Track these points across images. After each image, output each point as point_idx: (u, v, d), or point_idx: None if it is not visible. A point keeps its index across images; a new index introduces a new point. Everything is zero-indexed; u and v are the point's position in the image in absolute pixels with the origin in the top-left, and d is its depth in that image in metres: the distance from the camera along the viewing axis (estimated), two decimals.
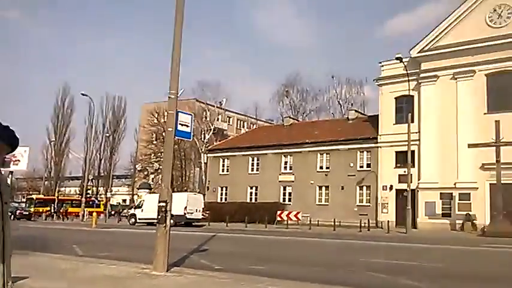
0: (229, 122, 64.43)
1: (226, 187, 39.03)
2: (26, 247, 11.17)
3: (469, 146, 25.74)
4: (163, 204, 8.37)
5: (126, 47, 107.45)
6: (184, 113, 9.35)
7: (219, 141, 49.57)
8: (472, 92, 28.97)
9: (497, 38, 28.23)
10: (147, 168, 56.96)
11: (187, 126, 9.11)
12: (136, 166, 60.48)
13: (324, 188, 34.06)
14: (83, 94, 40.81)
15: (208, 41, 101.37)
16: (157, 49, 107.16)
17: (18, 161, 16.66)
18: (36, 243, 13.95)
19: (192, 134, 9.52)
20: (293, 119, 47.47)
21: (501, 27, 28.65)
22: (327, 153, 34.30)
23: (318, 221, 29.19)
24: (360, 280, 8.31)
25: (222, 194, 39.34)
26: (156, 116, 52.26)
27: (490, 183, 26.04)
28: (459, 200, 27.70)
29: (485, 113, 28.21)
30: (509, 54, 27.88)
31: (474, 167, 27.54)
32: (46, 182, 62.28)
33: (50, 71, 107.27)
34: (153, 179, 56.12)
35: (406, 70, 29.30)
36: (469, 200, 27.33)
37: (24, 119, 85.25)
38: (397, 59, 28.58)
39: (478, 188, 27.37)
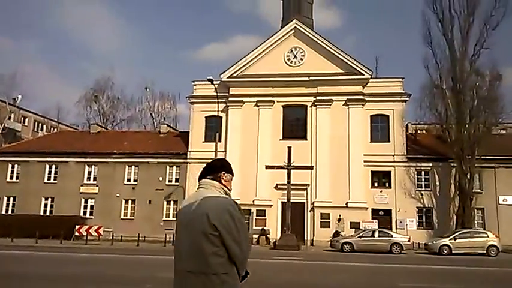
0: (24, 122, 56.12)
1: (14, 197, 34.04)
2: None
3: (266, 167, 28.74)
4: None
5: None
6: None
7: (9, 143, 43.04)
8: (271, 119, 32.51)
9: (292, 75, 32.54)
10: None
11: None
12: None
13: (130, 202, 32.93)
14: None
15: (7, 29, 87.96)
16: None
17: None
18: None
19: None
20: (101, 126, 44.71)
21: (296, 66, 33.13)
22: (135, 166, 33.40)
23: (121, 236, 28.05)
24: None
25: (8, 205, 34.13)
26: None
27: (282, 201, 29.48)
28: (256, 215, 30.46)
29: (280, 139, 31.94)
30: (300, 90, 32.39)
31: (270, 186, 30.77)
32: None
33: None
34: None
35: (217, 92, 31.04)
36: (265, 216, 30.32)
37: None
38: (208, 80, 30.09)
39: (272, 206, 30.60)
